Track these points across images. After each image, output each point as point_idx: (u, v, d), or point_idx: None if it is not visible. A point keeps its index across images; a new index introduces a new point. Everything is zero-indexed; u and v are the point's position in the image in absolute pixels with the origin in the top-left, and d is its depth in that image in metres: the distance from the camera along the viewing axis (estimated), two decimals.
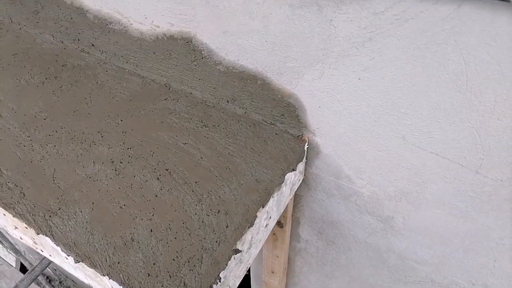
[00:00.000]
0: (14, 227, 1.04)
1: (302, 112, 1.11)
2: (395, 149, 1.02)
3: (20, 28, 1.63)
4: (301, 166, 1.18)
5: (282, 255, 1.58)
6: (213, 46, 1.15)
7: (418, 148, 0.97)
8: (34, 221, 0.95)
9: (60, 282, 5.87)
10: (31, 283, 1.64)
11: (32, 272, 1.62)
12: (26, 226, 0.97)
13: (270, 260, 1.64)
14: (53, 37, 1.56)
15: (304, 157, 1.19)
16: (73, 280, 5.71)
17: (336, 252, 1.48)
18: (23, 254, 4.73)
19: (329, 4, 0.88)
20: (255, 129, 1.19)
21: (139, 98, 1.30)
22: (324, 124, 1.09)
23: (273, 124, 1.20)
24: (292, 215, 1.46)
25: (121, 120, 1.22)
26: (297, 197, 1.38)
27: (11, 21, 1.66)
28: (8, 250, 5.57)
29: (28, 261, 4.79)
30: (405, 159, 1.02)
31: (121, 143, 1.14)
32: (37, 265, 1.64)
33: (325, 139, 1.13)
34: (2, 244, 4.54)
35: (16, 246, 4.34)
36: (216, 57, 1.17)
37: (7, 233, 4.32)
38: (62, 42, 1.54)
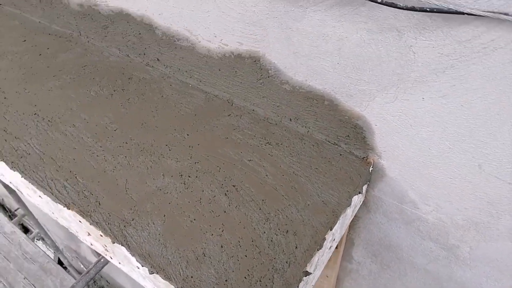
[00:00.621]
0: (87, 234, 1.09)
1: (369, 134, 1.11)
2: (469, 177, 0.99)
3: (88, 41, 1.72)
4: (364, 189, 1.18)
5: (332, 275, 1.56)
6: (281, 66, 1.17)
7: (495, 178, 0.95)
8: (110, 230, 0.99)
9: (95, 282, 6.04)
10: (85, 285, 1.70)
11: (87, 274, 1.68)
12: (101, 234, 1.01)
13: (319, 279, 1.63)
14: (120, 50, 1.63)
15: (368, 180, 1.18)
16: (107, 281, 5.86)
17: (390, 277, 1.45)
18: (62, 251, 4.91)
19: (410, 30, 0.88)
20: (318, 149, 1.20)
21: (203, 113, 1.34)
22: (392, 147, 1.08)
23: (336, 144, 1.20)
24: (347, 235, 1.45)
25: (187, 135, 1.26)
26: (354, 218, 1.37)
27: (80, 34, 1.75)
28: (48, 247, 5.79)
29: (67, 259, 4.96)
30: (479, 188, 0.99)
31: (188, 157, 1.18)
32: (92, 268, 1.70)
33: (392, 163, 1.11)
34: (44, 240, 4.73)
35: (56, 244, 4.52)
36: (283, 76, 1.19)
37: (48, 230, 4.50)
38: (128, 55, 1.61)
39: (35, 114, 1.35)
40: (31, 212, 4.10)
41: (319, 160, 1.16)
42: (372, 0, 0.88)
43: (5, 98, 1.43)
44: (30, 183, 1.13)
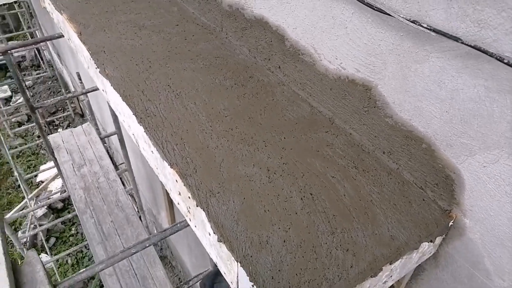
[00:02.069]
0: (178, 193, 1.27)
1: (459, 189, 1.09)
2: None
3: (226, 37, 1.96)
4: (438, 240, 1.16)
5: None
6: (390, 100, 1.22)
7: None
8: (198, 195, 1.15)
9: (161, 249, 6.56)
10: (157, 242, 1.93)
11: (163, 233, 1.91)
12: (189, 196, 1.18)
13: None
14: (249, 51, 1.83)
15: (445, 233, 1.15)
16: (171, 252, 6.32)
17: None
18: (144, 212, 5.45)
19: None
20: (402, 188, 1.21)
21: (304, 123, 1.45)
22: (480, 209, 1.05)
23: (422, 189, 1.20)
24: (407, 283, 1.41)
25: (284, 138, 1.38)
26: (419, 268, 1.34)
27: (221, 30, 2.01)
28: (134, 205, 6.45)
29: (146, 220, 5.49)
30: None
31: (279, 157, 1.29)
32: (168, 229, 1.93)
33: (476, 224, 1.08)
34: (133, 198, 5.31)
35: (142, 204, 5.06)
36: (389, 110, 1.23)
37: (139, 190, 5.05)
38: (255, 58, 1.80)
39: (168, 85, 1.61)
40: (131, 170, 4.66)
41: (400, 198, 1.18)
42: (499, 59, 0.89)
43: (150, 67, 1.72)
44: (149, 138, 1.36)
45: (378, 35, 1.17)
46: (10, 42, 10.65)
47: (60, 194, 7.29)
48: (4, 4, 8.30)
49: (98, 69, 1.71)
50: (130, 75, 1.65)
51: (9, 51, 3.20)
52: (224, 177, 1.21)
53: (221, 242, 1.04)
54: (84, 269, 1.74)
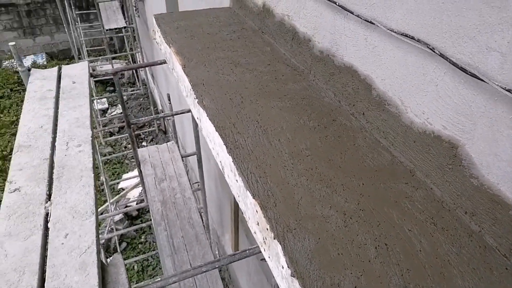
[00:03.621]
0: (257, 223, 1.37)
1: None
2: None
3: (314, 80, 2.08)
4: None
5: None
6: (477, 161, 1.21)
7: None
8: (276, 228, 1.24)
9: (220, 270, 6.69)
10: (224, 264, 2.05)
11: (233, 256, 2.02)
12: (268, 228, 1.27)
13: None
14: (335, 95, 1.92)
15: None
16: (229, 275, 6.43)
17: None
18: (209, 231, 5.65)
19: None
20: (484, 252, 1.18)
21: (383, 171, 1.47)
22: None
23: (506, 257, 1.16)
24: None
25: (362, 184, 1.42)
26: None
27: (309, 73, 2.13)
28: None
29: (209, 240, 5.68)
30: None
31: (356, 202, 1.34)
32: (238, 253, 2.03)
33: None
34: (201, 216, 5.56)
35: (209, 222, 5.27)
36: (475, 171, 1.22)
37: (208, 211, 5.27)
38: (340, 102, 1.88)
39: (256, 121, 1.75)
40: (204, 189, 4.92)
41: (481, 263, 1.14)
42: None
43: (241, 102, 1.88)
44: (235, 168, 1.50)
45: (470, 97, 1.18)
46: (114, 61, 12.00)
47: (137, 203, 7.88)
48: (115, 28, 9.47)
49: (197, 100, 1.92)
50: (224, 108, 1.83)
51: (117, 73, 3.67)
52: (301, 214, 1.29)
53: (293, 277, 1.11)
54: (159, 279, 1.90)
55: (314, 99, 1.92)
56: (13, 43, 3.15)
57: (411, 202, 1.34)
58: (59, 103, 3.00)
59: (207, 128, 1.82)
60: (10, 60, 14.02)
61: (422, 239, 1.21)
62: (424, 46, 1.30)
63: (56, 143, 2.55)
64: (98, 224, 1.99)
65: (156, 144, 10.70)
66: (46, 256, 1.73)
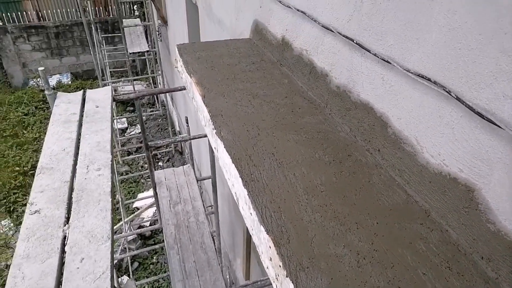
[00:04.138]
0: (269, 259, 1.38)
1: None
2: None
3: (329, 114, 2.10)
4: None
5: None
6: (494, 207, 1.20)
7: None
8: (288, 266, 1.25)
9: None
10: None
11: (245, 287, 2.01)
12: (280, 265, 1.27)
13: None
14: (350, 130, 1.94)
15: None
16: None
17: None
18: (220, 255, 5.62)
19: None
20: None
21: (398, 211, 1.47)
22: None
23: None
24: None
25: (377, 223, 1.41)
26: None
27: (325, 106, 2.16)
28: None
29: (220, 264, 5.64)
30: None
31: (370, 242, 1.33)
32: (250, 284, 2.03)
33: None
34: (213, 239, 5.54)
35: (221, 246, 5.24)
36: (492, 216, 1.21)
37: (220, 234, 5.26)
38: (355, 137, 1.90)
39: (272, 154, 1.78)
40: (218, 213, 4.92)
41: None
42: None
43: (258, 134, 1.92)
44: (250, 201, 1.52)
45: (487, 142, 1.19)
46: (135, 82, 12.34)
47: (150, 224, 7.92)
48: (138, 52, 9.79)
49: (215, 130, 1.97)
50: (241, 140, 1.87)
51: (140, 98, 3.78)
52: (314, 252, 1.29)
53: None
54: None
55: (330, 133, 1.94)
56: (42, 68, 3.31)
57: (426, 244, 1.33)
58: (82, 126, 3.11)
59: (224, 159, 1.86)
60: (36, 79, 14.59)
61: (437, 283, 1.19)
62: (440, 89, 1.32)
63: (77, 166, 2.62)
64: (113, 248, 2.02)
65: (172, 164, 10.83)
66: (62, 280, 1.76)
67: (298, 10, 2.31)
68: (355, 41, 1.77)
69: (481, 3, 1.18)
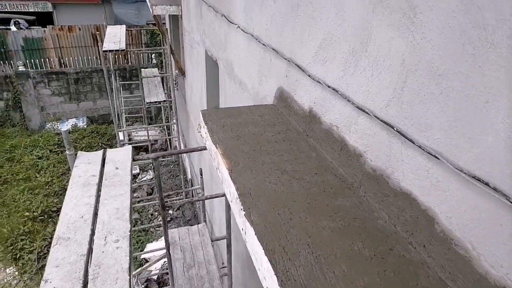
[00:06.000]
0: None
1: None
2: None
3: (364, 196, 2.00)
4: None
5: None
6: None
7: None
8: None
9: None
10: None
11: None
12: None
13: None
14: (389, 217, 1.82)
15: None
16: None
17: None
18: None
19: None
20: None
21: None
22: None
23: None
24: None
25: None
26: None
27: (359, 187, 2.06)
28: None
29: None
30: None
31: None
32: None
33: None
34: None
35: None
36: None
37: None
38: (395, 226, 1.78)
39: (307, 244, 1.66)
40: (231, 275, 4.70)
41: None
42: None
43: (290, 219, 1.81)
44: None
45: None
46: (149, 127, 12.46)
47: (158, 278, 7.62)
48: (155, 102, 9.98)
49: (244, 212, 1.87)
50: (273, 226, 1.76)
51: (158, 158, 3.74)
52: None
53: None
54: None
55: (367, 220, 1.83)
56: (65, 129, 3.31)
57: None
58: (101, 190, 3.04)
59: (254, 247, 1.74)
60: (52, 123, 14.89)
61: None
62: (502, 197, 1.22)
63: (94, 237, 2.52)
64: None
65: (183, 213, 10.66)
66: None
67: (329, 86, 2.28)
68: (395, 128, 1.70)
69: None
